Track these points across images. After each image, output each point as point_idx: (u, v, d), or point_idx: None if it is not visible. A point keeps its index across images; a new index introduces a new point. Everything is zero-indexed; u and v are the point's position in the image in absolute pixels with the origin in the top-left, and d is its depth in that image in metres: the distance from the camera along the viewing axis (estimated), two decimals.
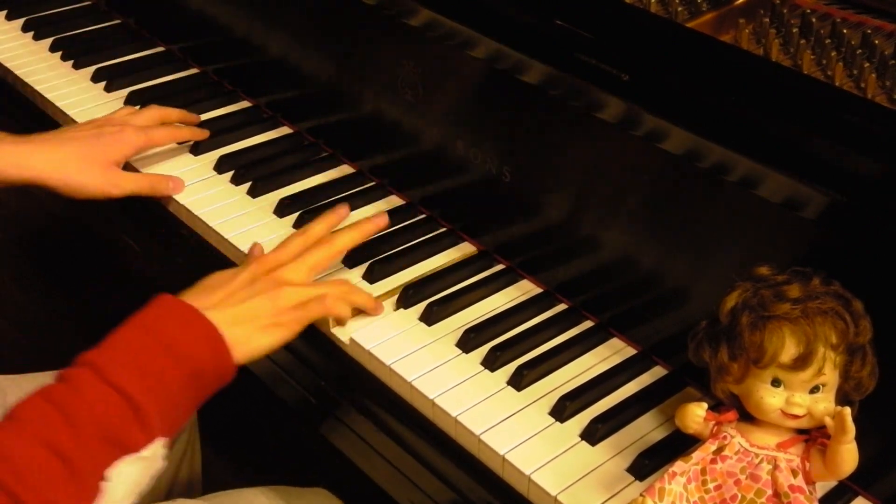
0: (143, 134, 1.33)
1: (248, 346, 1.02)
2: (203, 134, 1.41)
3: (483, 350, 1.09)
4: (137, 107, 1.44)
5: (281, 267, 1.10)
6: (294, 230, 1.27)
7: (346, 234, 1.18)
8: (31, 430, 0.87)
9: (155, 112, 1.39)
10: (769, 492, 0.86)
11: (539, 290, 1.18)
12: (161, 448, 0.93)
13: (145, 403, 0.91)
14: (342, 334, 1.12)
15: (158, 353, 0.95)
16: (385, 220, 1.21)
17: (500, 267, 1.22)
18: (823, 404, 0.86)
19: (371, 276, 1.19)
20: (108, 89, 1.54)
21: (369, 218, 1.21)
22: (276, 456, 1.69)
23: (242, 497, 1.14)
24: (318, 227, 1.17)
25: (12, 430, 0.87)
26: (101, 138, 1.30)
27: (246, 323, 1.02)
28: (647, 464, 0.97)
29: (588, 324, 1.14)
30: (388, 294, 1.17)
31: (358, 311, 1.14)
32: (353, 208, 1.30)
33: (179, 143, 1.40)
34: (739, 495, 0.86)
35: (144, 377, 0.92)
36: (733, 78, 1.03)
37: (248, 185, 1.34)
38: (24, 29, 1.69)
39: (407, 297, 1.16)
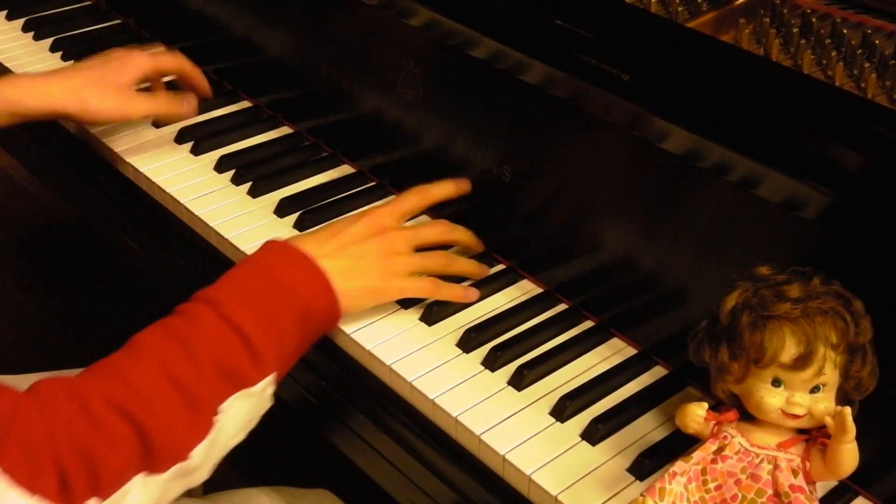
0: (151, 56, 1.37)
1: (349, 301, 1.06)
2: (203, 81, 1.44)
3: (483, 350, 1.09)
4: None
5: (391, 230, 1.13)
6: (294, 231, 1.27)
7: (465, 235, 1.20)
8: (153, 360, 0.90)
9: (162, 47, 1.44)
10: (770, 492, 0.86)
11: (539, 290, 1.18)
12: (270, 386, 0.96)
13: (259, 341, 0.94)
14: (342, 334, 1.12)
15: (272, 295, 0.99)
16: (487, 272, 1.20)
17: (500, 267, 1.22)
18: (824, 404, 0.86)
19: None
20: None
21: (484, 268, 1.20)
22: (277, 456, 1.69)
23: (244, 497, 1.14)
24: (439, 190, 1.20)
25: (135, 358, 0.91)
26: (110, 62, 1.34)
27: (353, 279, 1.06)
28: (648, 464, 0.97)
29: (588, 324, 1.14)
30: None
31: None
32: (353, 208, 1.31)
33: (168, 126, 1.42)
34: (740, 495, 0.86)
35: (259, 316, 0.96)
36: (733, 78, 1.03)
37: (248, 185, 1.34)
38: (25, 29, 1.69)
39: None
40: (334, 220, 1.14)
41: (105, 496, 0.83)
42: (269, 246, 1.05)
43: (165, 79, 1.45)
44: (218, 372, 0.91)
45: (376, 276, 1.09)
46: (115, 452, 0.84)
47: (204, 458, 0.91)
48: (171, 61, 1.41)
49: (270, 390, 0.97)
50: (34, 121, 1.31)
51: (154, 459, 0.86)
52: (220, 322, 0.94)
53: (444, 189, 1.21)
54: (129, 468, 0.85)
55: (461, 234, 1.20)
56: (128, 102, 1.33)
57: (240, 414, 0.94)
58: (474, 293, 1.15)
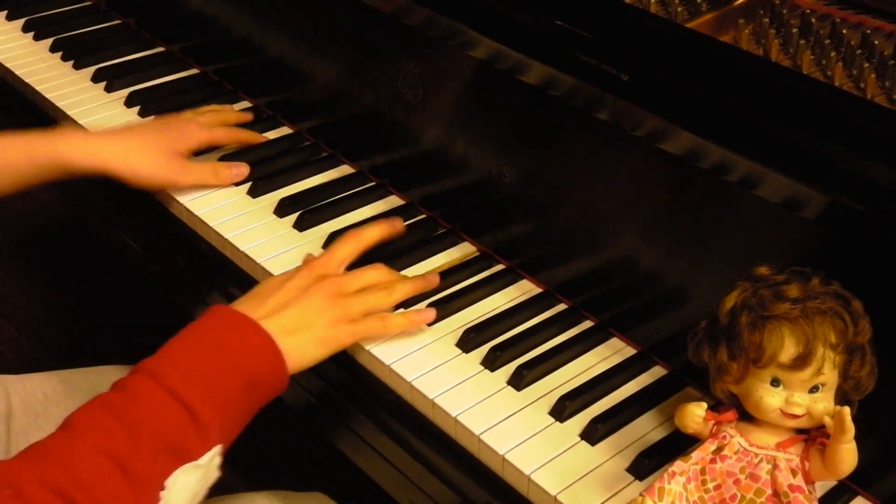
0: (207, 130, 1.38)
1: (300, 356, 1.02)
2: (259, 138, 1.43)
3: (483, 350, 1.10)
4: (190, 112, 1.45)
5: (332, 276, 1.10)
6: (294, 230, 1.27)
7: (410, 281, 1.16)
8: (91, 440, 0.86)
9: (216, 115, 1.43)
10: (769, 491, 0.86)
11: (539, 290, 1.18)
12: (217, 457, 0.93)
13: (203, 411, 0.91)
14: None
15: (216, 363, 0.95)
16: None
17: (500, 267, 1.22)
18: (823, 404, 0.86)
19: None
20: (108, 89, 1.54)
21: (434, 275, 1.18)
22: (278, 457, 1.69)
23: (243, 501, 1.14)
24: (372, 232, 1.18)
25: (72, 439, 0.87)
26: (168, 132, 1.34)
27: (299, 333, 1.03)
28: (647, 463, 0.97)
29: (588, 324, 1.14)
30: None
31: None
32: (352, 208, 1.31)
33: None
34: (739, 495, 0.86)
35: (203, 386, 0.93)
36: (733, 78, 1.03)
37: (248, 185, 1.34)
38: (25, 29, 1.69)
39: (407, 297, 1.15)
40: (269, 279, 1.11)
41: None
42: (212, 313, 1.01)
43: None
44: (161, 446, 0.88)
45: (325, 324, 1.06)
46: None
47: None
48: (224, 134, 1.40)
49: (217, 461, 0.93)
50: (79, 177, 1.29)
51: None
52: (161, 393, 0.91)
53: (377, 231, 1.19)
54: None
55: (399, 279, 1.16)
56: (178, 171, 1.32)
57: (186, 487, 0.90)
58: (429, 314, 1.13)
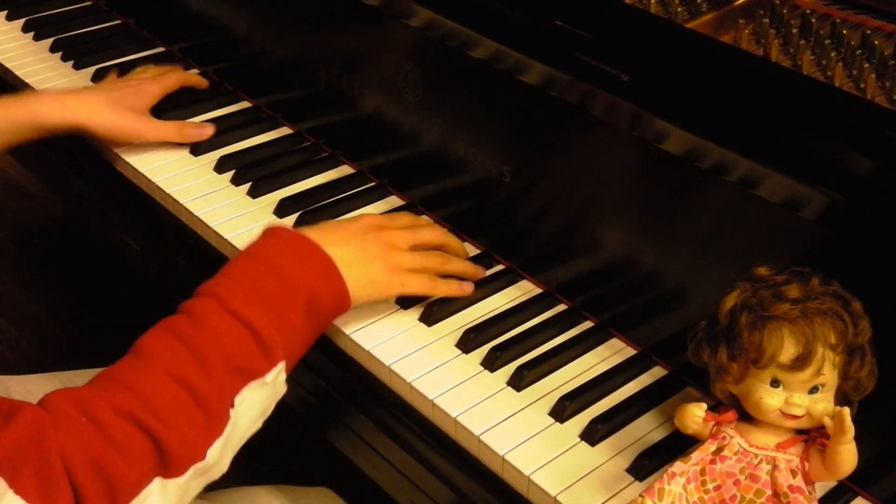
0: (158, 83, 1.46)
1: (354, 289, 1.05)
2: (203, 82, 1.53)
3: (483, 350, 1.10)
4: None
5: (390, 229, 1.14)
6: None
7: (458, 244, 1.20)
8: (160, 365, 0.89)
9: (159, 68, 1.53)
10: (768, 492, 0.86)
11: (539, 290, 1.18)
12: (282, 374, 0.96)
13: (266, 329, 0.94)
14: (342, 335, 1.12)
15: (277, 282, 0.98)
16: (483, 273, 1.20)
17: (500, 267, 1.22)
18: (822, 404, 0.86)
19: None
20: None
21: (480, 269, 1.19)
22: (278, 457, 1.69)
23: (246, 495, 1.14)
24: (434, 225, 1.22)
25: (141, 365, 0.90)
26: (127, 89, 1.43)
27: (356, 267, 1.06)
28: (647, 464, 0.97)
29: (588, 324, 1.14)
30: None
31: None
32: (353, 208, 1.31)
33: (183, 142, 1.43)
34: (739, 495, 0.86)
35: (264, 305, 0.96)
36: (733, 78, 1.03)
37: (248, 185, 1.34)
38: (25, 29, 1.69)
39: (407, 297, 1.16)
40: (330, 220, 1.15)
41: None
42: (271, 233, 1.04)
43: None
44: (227, 368, 0.91)
45: (379, 268, 1.09)
46: (129, 462, 0.83)
47: (220, 454, 0.91)
48: (173, 80, 1.49)
49: (283, 377, 0.97)
50: (54, 135, 1.36)
51: (170, 464, 0.86)
52: (226, 316, 0.94)
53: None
54: (145, 476, 0.85)
55: (453, 242, 1.20)
56: (144, 124, 1.39)
57: (254, 405, 0.94)
58: (470, 287, 1.15)
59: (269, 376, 0.94)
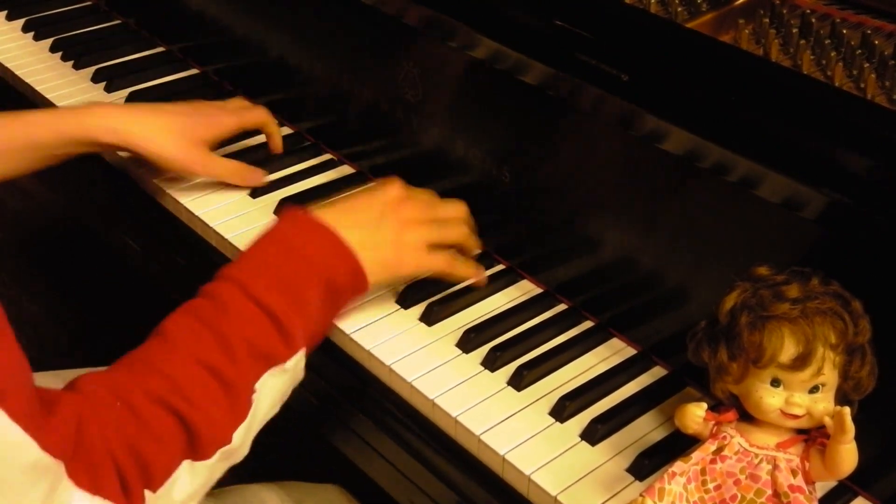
0: (238, 118, 1.35)
1: (368, 272, 1.05)
2: (279, 140, 1.39)
3: (483, 350, 1.09)
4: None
5: (408, 200, 1.13)
6: None
7: (472, 242, 1.19)
8: (186, 349, 0.91)
9: (243, 102, 1.41)
10: (769, 492, 0.86)
11: (539, 290, 1.18)
12: (302, 360, 0.98)
13: (288, 318, 0.95)
14: (342, 335, 1.12)
15: (296, 268, 0.99)
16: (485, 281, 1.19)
17: (500, 267, 1.22)
18: (823, 404, 0.86)
19: None
20: (108, 89, 1.54)
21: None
22: (278, 457, 1.69)
23: (252, 493, 1.14)
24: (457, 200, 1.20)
25: (169, 349, 0.91)
26: (197, 116, 1.32)
27: (370, 249, 1.06)
28: (647, 464, 0.97)
29: (588, 324, 1.14)
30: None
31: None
32: None
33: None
34: (739, 495, 0.86)
35: (285, 292, 0.97)
36: (733, 78, 1.03)
37: None
38: (25, 29, 1.69)
39: (407, 297, 1.16)
40: (352, 193, 1.14)
41: (156, 488, 0.85)
42: (290, 218, 1.05)
43: None
44: (251, 354, 0.93)
45: (393, 248, 1.09)
46: (162, 446, 0.85)
47: (244, 437, 0.92)
48: (254, 119, 1.38)
49: (302, 363, 0.98)
50: (107, 151, 1.29)
51: (199, 447, 0.88)
52: (249, 304, 0.95)
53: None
54: (175, 458, 0.86)
55: (471, 224, 1.19)
56: (203, 161, 1.30)
57: (274, 390, 0.95)
58: (485, 276, 1.16)
59: (290, 363, 0.96)
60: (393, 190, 1.14)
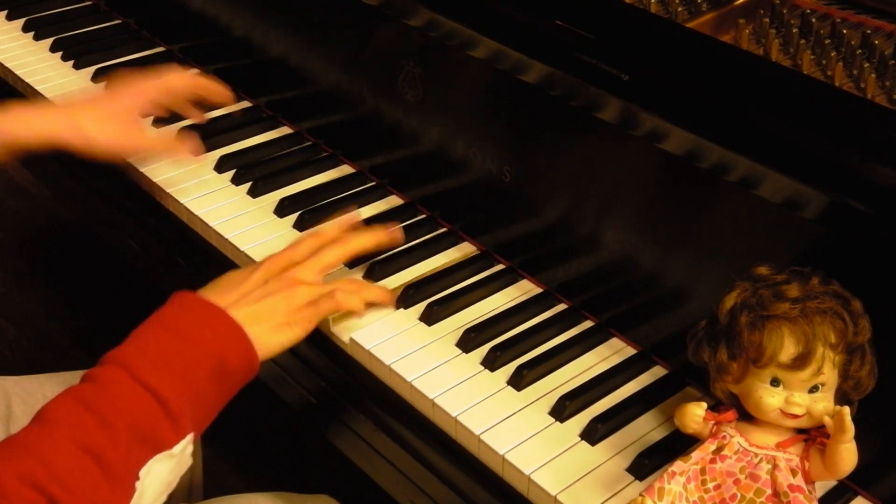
0: (155, 80, 1.30)
1: (265, 344, 1.02)
2: (222, 90, 1.37)
3: (483, 350, 1.10)
4: None
5: (293, 266, 1.10)
6: (294, 230, 1.27)
7: (360, 237, 1.16)
8: (65, 432, 0.86)
9: (174, 66, 1.37)
10: (768, 491, 0.86)
11: (539, 290, 1.18)
12: (190, 445, 0.93)
13: (176, 401, 0.91)
14: (342, 334, 1.12)
15: (186, 352, 0.95)
16: (401, 236, 1.19)
17: (500, 267, 1.22)
18: (822, 404, 0.86)
19: (371, 276, 1.19)
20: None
21: (386, 228, 1.20)
22: (278, 458, 1.69)
23: (246, 502, 1.14)
24: (331, 228, 1.16)
25: (46, 432, 0.86)
26: (116, 92, 1.29)
27: (262, 322, 1.02)
28: (647, 463, 0.97)
29: (588, 324, 1.14)
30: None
31: (370, 306, 1.14)
32: (353, 208, 1.31)
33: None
34: (739, 495, 0.86)
35: (172, 374, 0.92)
36: (733, 78, 1.03)
37: (248, 185, 1.34)
38: (25, 29, 1.69)
39: (407, 296, 1.16)
40: (231, 271, 1.10)
41: None
42: (177, 300, 1.00)
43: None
44: (134, 437, 0.88)
45: (283, 312, 1.05)
46: None
47: None
48: (179, 81, 1.33)
49: (190, 449, 0.93)
50: (34, 152, 1.23)
51: None
52: (133, 384, 0.90)
53: (368, 240, 1.16)
54: None
55: (359, 241, 1.16)
56: (126, 132, 1.26)
57: (160, 477, 0.90)
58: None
59: (177, 448, 0.91)
60: (275, 259, 1.10)
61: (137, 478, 0.88)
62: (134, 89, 1.29)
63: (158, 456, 0.89)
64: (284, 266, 1.09)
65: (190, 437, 0.92)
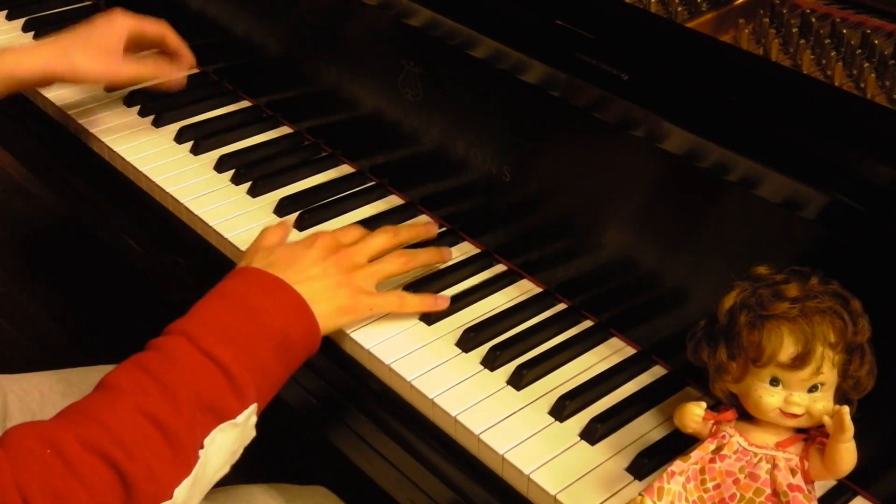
0: (134, 17, 1.39)
1: (325, 323, 1.04)
2: (187, 52, 1.45)
3: (483, 349, 1.10)
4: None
5: (343, 248, 1.12)
6: (295, 230, 1.27)
7: (410, 228, 1.20)
8: (128, 399, 0.87)
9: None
10: (768, 491, 0.86)
11: (539, 290, 1.18)
12: (254, 416, 0.94)
13: (240, 372, 0.92)
14: (342, 334, 1.12)
15: (250, 324, 0.97)
16: (449, 254, 1.21)
17: (500, 267, 1.22)
18: (822, 403, 0.86)
19: None
20: (108, 89, 1.54)
21: (432, 224, 1.23)
22: (277, 455, 1.69)
23: (242, 494, 1.14)
24: (384, 228, 1.19)
25: (109, 399, 0.88)
26: (95, 26, 1.37)
27: (323, 301, 1.05)
28: (647, 463, 0.97)
29: (588, 323, 1.14)
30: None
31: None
32: (352, 208, 1.31)
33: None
34: (738, 494, 0.86)
35: (238, 346, 0.94)
36: (733, 78, 1.03)
37: (248, 184, 1.34)
38: (25, 29, 1.69)
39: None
40: (286, 245, 1.12)
41: None
42: (241, 274, 1.03)
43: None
44: (198, 406, 0.89)
45: (344, 294, 1.07)
46: (93, 496, 0.81)
47: (188, 494, 0.88)
48: (154, 26, 1.42)
49: (254, 420, 0.95)
50: (28, 88, 1.34)
51: (136, 500, 0.83)
52: (197, 355, 0.92)
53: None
54: None
55: (406, 233, 1.20)
56: (115, 63, 1.35)
57: (224, 446, 0.91)
58: (444, 301, 1.14)
59: (241, 417, 0.92)
60: (328, 237, 1.12)
61: (202, 446, 0.89)
62: (115, 24, 1.38)
63: (222, 425, 0.91)
64: (334, 247, 1.12)
65: (254, 408, 0.94)
